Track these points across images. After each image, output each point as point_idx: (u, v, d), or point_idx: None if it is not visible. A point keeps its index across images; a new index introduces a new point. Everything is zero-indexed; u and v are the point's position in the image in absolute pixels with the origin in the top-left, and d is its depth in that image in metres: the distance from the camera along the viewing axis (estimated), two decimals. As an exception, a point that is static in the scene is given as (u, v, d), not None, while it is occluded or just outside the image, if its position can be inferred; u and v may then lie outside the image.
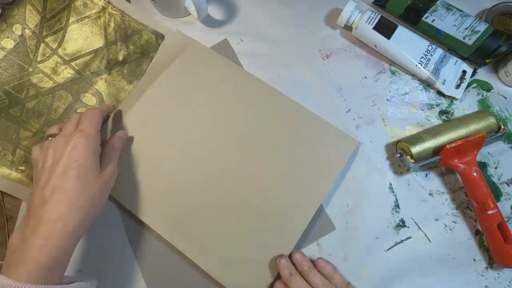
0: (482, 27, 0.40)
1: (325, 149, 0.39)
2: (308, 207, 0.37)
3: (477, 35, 0.39)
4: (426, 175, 0.40)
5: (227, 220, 0.37)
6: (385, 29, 0.42)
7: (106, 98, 0.44)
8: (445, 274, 0.36)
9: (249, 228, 0.37)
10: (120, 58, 0.45)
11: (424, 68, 0.41)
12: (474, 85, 0.43)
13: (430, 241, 0.38)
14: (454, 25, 0.41)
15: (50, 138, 0.35)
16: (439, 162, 0.37)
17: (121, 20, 0.45)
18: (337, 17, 0.43)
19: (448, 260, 0.37)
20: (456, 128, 0.38)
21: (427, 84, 0.43)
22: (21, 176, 0.41)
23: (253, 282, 0.35)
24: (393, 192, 0.39)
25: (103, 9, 0.45)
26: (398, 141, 0.40)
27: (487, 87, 0.43)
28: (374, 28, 0.42)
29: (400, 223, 0.38)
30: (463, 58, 0.42)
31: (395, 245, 0.38)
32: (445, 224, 0.38)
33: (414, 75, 0.43)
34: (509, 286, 0.36)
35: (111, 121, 0.41)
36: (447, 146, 0.36)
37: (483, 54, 0.40)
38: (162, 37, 0.45)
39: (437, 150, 0.37)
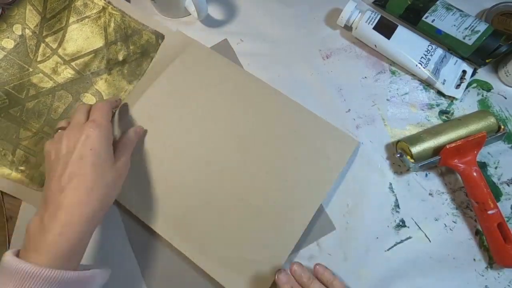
0: (482, 27, 0.40)
1: (325, 149, 0.39)
2: (308, 207, 0.37)
3: (477, 35, 0.39)
4: (426, 175, 0.40)
5: (227, 220, 0.37)
6: (385, 29, 0.42)
7: (106, 98, 0.44)
8: (445, 274, 0.36)
9: (249, 228, 0.37)
10: (120, 58, 0.45)
11: (424, 68, 0.41)
12: (474, 85, 0.43)
13: (430, 241, 0.38)
14: (454, 25, 0.41)
15: (60, 131, 0.36)
16: (439, 162, 0.37)
17: (121, 20, 0.45)
18: (337, 17, 0.43)
19: (448, 260, 0.37)
20: (456, 128, 0.38)
21: (427, 84, 0.43)
22: (21, 176, 0.41)
23: (253, 282, 0.35)
24: (393, 192, 0.39)
25: (103, 9, 0.45)
26: (398, 141, 0.40)
27: (487, 87, 0.43)
28: (374, 28, 0.42)
29: (400, 223, 0.38)
30: (463, 58, 0.42)
31: (395, 245, 0.38)
32: (445, 224, 0.38)
33: (414, 75, 0.43)
34: (509, 286, 0.36)
35: (116, 115, 0.41)
36: (447, 146, 0.36)
37: (483, 54, 0.40)
38: (162, 37, 0.45)
39: (437, 150, 0.37)
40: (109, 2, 0.45)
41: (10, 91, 0.43)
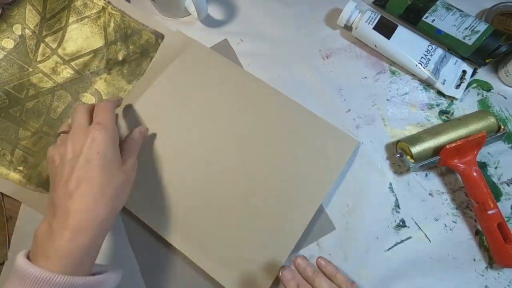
0: (482, 27, 0.40)
1: (325, 149, 0.39)
2: (308, 207, 0.37)
3: (477, 35, 0.39)
4: (426, 175, 0.40)
5: (227, 220, 0.37)
6: (385, 29, 0.42)
7: (106, 98, 0.44)
8: (445, 274, 0.36)
9: (249, 228, 0.37)
10: (120, 58, 0.45)
11: (424, 68, 0.41)
12: (474, 85, 0.43)
13: (430, 241, 0.38)
14: (454, 25, 0.41)
15: (62, 135, 0.35)
16: (439, 162, 0.37)
17: (121, 20, 0.45)
18: (337, 17, 0.43)
19: (448, 260, 0.37)
20: (456, 128, 0.38)
21: (427, 84, 0.43)
22: (19, 176, 0.41)
23: (253, 282, 0.35)
24: (393, 192, 0.39)
25: (103, 9, 0.45)
26: (398, 141, 0.40)
27: (487, 87, 0.43)
28: (374, 28, 0.42)
29: (400, 223, 0.38)
30: (463, 58, 0.42)
31: (395, 245, 0.38)
32: (445, 224, 0.38)
33: (414, 75, 0.43)
34: (509, 286, 0.36)
35: (120, 115, 0.41)
36: (447, 146, 0.36)
37: (483, 54, 0.40)
38: (162, 37, 0.45)
39: (437, 150, 0.37)
40: (108, 2, 0.45)
41: (10, 91, 0.43)
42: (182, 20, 0.48)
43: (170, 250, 0.38)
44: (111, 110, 0.35)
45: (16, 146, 0.42)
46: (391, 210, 0.39)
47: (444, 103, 0.42)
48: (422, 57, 0.41)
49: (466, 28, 0.40)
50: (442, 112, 0.42)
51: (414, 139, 0.38)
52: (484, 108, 0.42)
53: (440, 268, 0.37)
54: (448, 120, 0.41)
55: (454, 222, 0.38)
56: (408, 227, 0.38)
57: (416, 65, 0.41)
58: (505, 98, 0.42)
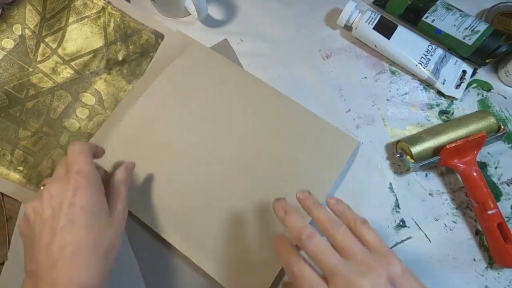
0: (482, 27, 0.40)
1: (325, 149, 0.39)
2: (308, 207, 0.37)
3: (477, 35, 0.40)
4: (426, 175, 0.40)
5: (227, 220, 0.37)
6: (385, 29, 0.42)
7: (106, 97, 0.44)
8: (445, 274, 0.36)
9: (249, 228, 0.37)
10: (120, 58, 0.45)
11: (424, 68, 0.41)
12: (474, 85, 0.43)
13: (430, 241, 0.38)
14: (454, 25, 0.41)
15: (42, 188, 0.30)
16: (439, 162, 0.37)
17: (121, 20, 0.45)
18: (337, 17, 0.43)
19: (448, 260, 0.37)
20: (456, 128, 0.38)
21: (427, 84, 0.43)
22: (19, 176, 0.41)
23: (253, 282, 0.35)
24: (393, 192, 0.39)
25: (103, 9, 0.45)
26: (398, 141, 0.40)
27: (487, 87, 0.43)
28: (374, 28, 0.42)
29: (400, 223, 0.38)
30: (463, 58, 0.42)
31: (395, 245, 0.38)
32: (445, 224, 0.38)
33: (414, 75, 0.43)
34: (509, 286, 0.36)
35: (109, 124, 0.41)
36: (447, 146, 0.36)
37: (483, 54, 0.40)
38: (162, 36, 0.45)
39: (437, 150, 0.37)
40: (108, 2, 0.45)
41: (10, 91, 0.43)
42: (182, 20, 0.48)
43: (170, 250, 0.38)
44: (87, 152, 0.30)
45: (16, 146, 0.42)
46: (391, 210, 0.39)
47: (444, 103, 0.42)
48: (422, 57, 0.41)
49: (466, 28, 0.40)
50: (442, 112, 0.42)
51: (414, 139, 0.38)
52: (484, 108, 0.42)
53: (440, 268, 0.37)
54: (448, 120, 0.41)
55: (454, 222, 0.38)
56: (408, 227, 0.38)
57: (416, 65, 0.41)
58: (505, 98, 0.42)
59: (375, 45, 0.43)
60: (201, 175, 0.39)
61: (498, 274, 0.36)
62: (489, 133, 0.38)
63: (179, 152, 0.40)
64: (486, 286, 0.36)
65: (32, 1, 0.44)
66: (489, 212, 0.35)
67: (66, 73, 0.44)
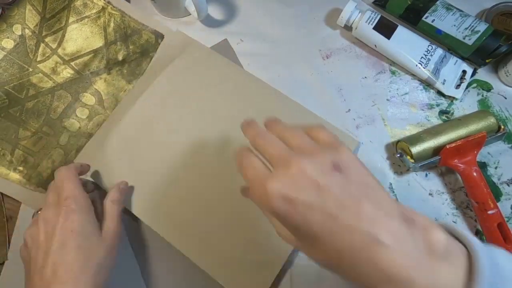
0: (482, 27, 0.40)
1: (325, 149, 0.39)
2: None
3: (477, 35, 0.39)
4: (426, 175, 0.40)
5: (227, 220, 0.37)
6: (385, 29, 0.42)
7: (106, 97, 0.44)
8: (445, 274, 0.36)
9: (249, 229, 0.37)
10: (120, 58, 0.45)
11: (424, 68, 0.41)
12: (474, 85, 0.43)
13: (430, 241, 0.37)
14: (454, 25, 0.41)
15: (38, 213, 0.33)
16: (439, 162, 0.37)
17: (121, 20, 0.45)
18: (337, 17, 0.43)
19: (448, 260, 0.37)
20: (456, 128, 0.38)
21: (427, 84, 0.43)
22: (19, 176, 0.41)
23: (253, 282, 0.35)
24: (393, 192, 0.39)
25: (103, 9, 0.45)
26: (398, 141, 0.40)
27: (487, 87, 0.43)
28: (374, 28, 0.42)
29: (400, 223, 0.38)
30: (463, 58, 0.42)
31: (395, 245, 0.38)
32: (445, 224, 0.38)
33: (414, 75, 0.43)
34: (509, 286, 0.36)
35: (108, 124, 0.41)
36: (447, 146, 0.36)
37: (483, 54, 0.40)
38: (162, 36, 0.45)
39: (437, 150, 0.37)
40: (108, 2, 0.45)
41: (10, 91, 0.43)
42: (182, 20, 0.48)
43: (170, 250, 0.38)
44: (73, 178, 0.32)
45: (16, 146, 0.42)
46: (391, 210, 0.39)
47: (444, 103, 0.42)
48: (422, 57, 0.41)
49: (466, 28, 0.40)
50: (442, 112, 0.42)
51: (414, 139, 0.38)
52: (484, 108, 0.42)
53: (440, 268, 0.37)
54: (448, 120, 0.41)
55: (454, 222, 0.38)
56: (408, 227, 0.38)
57: (416, 65, 0.41)
58: (505, 98, 0.42)
59: (375, 45, 0.43)
60: (201, 175, 0.39)
61: (498, 274, 0.36)
62: (489, 133, 0.37)
63: (179, 152, 0.40)
64: (486, 286, 0.36)
65: (32, 1, 0.44)
66: (489, 212, 0.35)
67: (66, 73, 0.44)
